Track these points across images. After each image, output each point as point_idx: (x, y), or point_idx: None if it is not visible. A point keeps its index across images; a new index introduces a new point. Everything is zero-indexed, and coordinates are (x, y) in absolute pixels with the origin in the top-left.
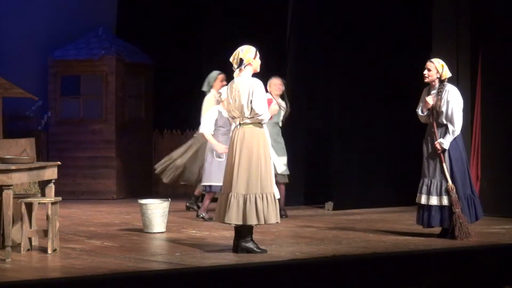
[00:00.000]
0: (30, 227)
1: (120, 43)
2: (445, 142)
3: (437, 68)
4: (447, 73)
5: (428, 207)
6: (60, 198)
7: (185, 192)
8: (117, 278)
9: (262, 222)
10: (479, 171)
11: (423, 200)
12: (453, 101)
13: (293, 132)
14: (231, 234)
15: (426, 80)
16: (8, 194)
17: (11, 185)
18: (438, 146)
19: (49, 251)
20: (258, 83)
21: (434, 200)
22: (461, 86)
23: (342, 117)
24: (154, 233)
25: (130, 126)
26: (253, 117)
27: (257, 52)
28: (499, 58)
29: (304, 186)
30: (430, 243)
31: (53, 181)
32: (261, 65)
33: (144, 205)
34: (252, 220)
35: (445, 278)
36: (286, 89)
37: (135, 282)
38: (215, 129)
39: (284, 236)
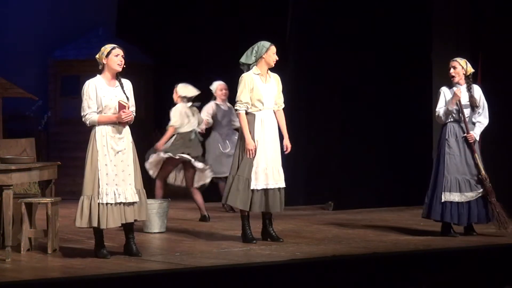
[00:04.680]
0: (30, 227)
1: (120, 43)
2: (477, 134)
3: (461, 64)
4: (471, 69)
5: (466, 204)
6: (60, 198)
7: (185, 192)
8: (117, 278)
9: (87, 225)
10: None
11: (457, 198)
12: (483, 97)
13: (293, 132)
14: (231, 234)
15: (455, 79)
16: (8, 194)
17: (11, 185)
18: (472, 137)
19: (49, 251)
20: (86, 84)
21: (473, 195)
22: None
23: (342, 117)
24: (154, 233)
25: (130, 126)
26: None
27: (112, 51)
28: (499, 59)
29: (304, 186)
30: (430, 243)
31: (53, 181)
32: None
33: None
34: (77, 223)
35: (445, 278)
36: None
37: (135, 282)
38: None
39: (284, 236)
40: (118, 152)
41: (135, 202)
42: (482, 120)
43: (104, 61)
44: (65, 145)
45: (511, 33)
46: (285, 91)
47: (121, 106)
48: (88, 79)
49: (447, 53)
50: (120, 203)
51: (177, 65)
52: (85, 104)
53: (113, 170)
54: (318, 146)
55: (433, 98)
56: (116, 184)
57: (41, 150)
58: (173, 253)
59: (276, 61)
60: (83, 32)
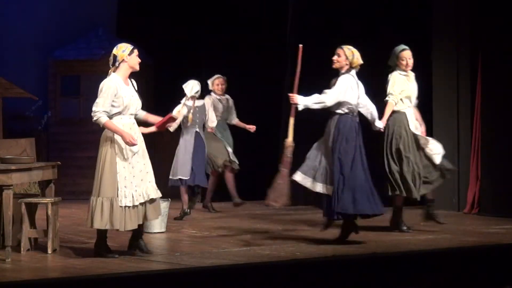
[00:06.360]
0: (30, 227)
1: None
2: (303, 99)
3: (346, 54)
4: (358, 60)
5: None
6: (60, 198)
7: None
8: (117, 278)
9: (108, 227)
10: (479, 171)
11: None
12: (338, 82)
13: (293, 131)
14: (231, 234)
15: (334, 65)
16: (8, 194)
17: (11, 185)
18: (292, 97)
19: (49, 251)
20: (107, 81)
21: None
22: (461, 87)
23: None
24: (154, 233)
25: None
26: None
27: (134, 50)
28: (499, 59)
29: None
30: (430, 243)
31: (53, 181)
32: (260, 65)
33: None
34: (96, 224)
35: (445, 278)
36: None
37: (135, 282)
38: None
39: (284, 236)
40: (135, 153)
41: (156, 199)
42: (323, 95)
43: (126, 59)
44: (65, 145)
45: (511, 33)
46: (285, 91)
47: (171, 119)
48: (88, 79)
49: (447, 53)
50: (140, 204)
51: (177, 65)
52: (100, 100)
53: (131, 172)
54: None
55: (433, 98)
56: (135, 186)
57: (41, 150)
58: (173, 253)
59: (275, 62)
60: (83, 32)
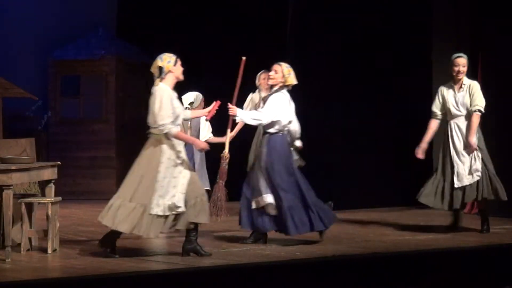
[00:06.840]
0: (30, 227)
1: (120, 43)
2: (242, 112)
3: (283, 71)
4: (292, 80)
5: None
6: (60, 198)
7: None
8: (117, 278)
9: (135, 232)
10: None
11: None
12: (271, 100)
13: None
14: (231, 234)
15: (269, 82)
16: (8, 194)
17: (11, 185)
18: (232, 109)
19: (49, 251)
20: (162, 91)
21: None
22: None
23: (342, 117)
24: None
25: (130, 126)
26: (156, 128)
27: (178, 60)
28: (499, 59)
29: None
30: (430, 243)
31: (53, 181)
32: (260, 65)
33: None
34: (121, 227)
35: (445, 278)
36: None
37: (135, 282)
38: None
39: (283, 236)
40: (178, 165)
41: (189, 208)
42: (260, 113)
43: (172, 70)
44: (65, 145)
45: (511, 33)
46: None
47: (216, 105)
48: (88, 79)
49: (447, 53)
50: (172, 215)
51: None
52: (163, 112)
53: (171, 182)
54: (317, 146)
55: (433, 98)
56: (172, 196)
57: (41, 150)
58: (173, 253)
59: (275, 62)
60: (83, 32)
